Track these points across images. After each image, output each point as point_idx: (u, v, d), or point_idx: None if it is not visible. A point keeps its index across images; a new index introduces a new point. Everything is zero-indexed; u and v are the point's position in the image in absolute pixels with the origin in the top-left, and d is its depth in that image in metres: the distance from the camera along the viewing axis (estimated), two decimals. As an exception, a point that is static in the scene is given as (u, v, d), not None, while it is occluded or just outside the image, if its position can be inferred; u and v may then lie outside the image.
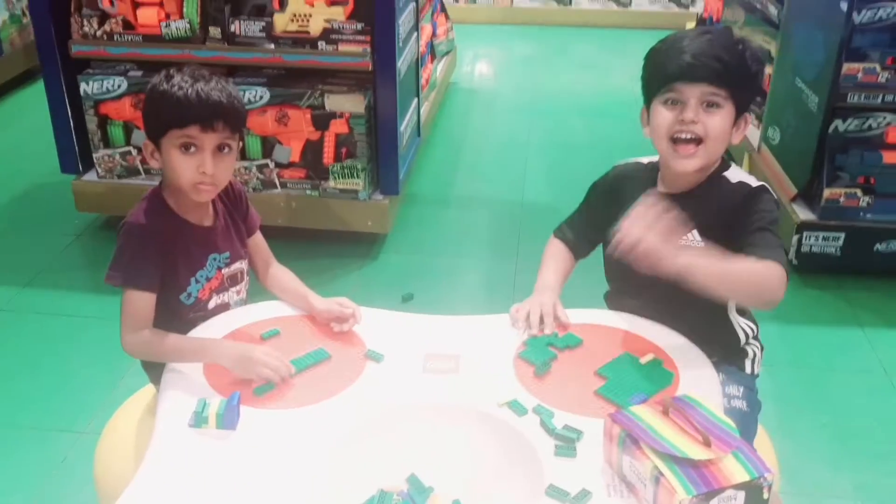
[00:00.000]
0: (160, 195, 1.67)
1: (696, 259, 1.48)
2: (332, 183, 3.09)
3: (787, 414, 2.29)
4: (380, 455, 1.46)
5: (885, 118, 2.86)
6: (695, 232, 1.65)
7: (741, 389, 1.71)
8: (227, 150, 1.63)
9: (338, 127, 3.01)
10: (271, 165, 3.09)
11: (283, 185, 3.12)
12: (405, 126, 3.34)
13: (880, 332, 2.80)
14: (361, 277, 3.09)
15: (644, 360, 1.60)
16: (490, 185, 3.90)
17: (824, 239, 2.96)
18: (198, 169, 1.60)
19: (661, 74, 1.63)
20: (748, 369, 1.76)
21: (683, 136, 1.62)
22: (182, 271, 1.67)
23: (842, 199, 2.93)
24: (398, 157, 3.15)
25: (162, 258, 1.62)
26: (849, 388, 2.55)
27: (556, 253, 1.87)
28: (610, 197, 1.79)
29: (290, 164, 3.09)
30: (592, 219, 1.84)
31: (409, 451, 1.48)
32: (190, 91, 1.57)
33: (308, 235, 3.18)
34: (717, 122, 1.60)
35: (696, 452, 1.22)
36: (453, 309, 2.85)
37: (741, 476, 1.21)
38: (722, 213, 1.64)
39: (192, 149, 1.59)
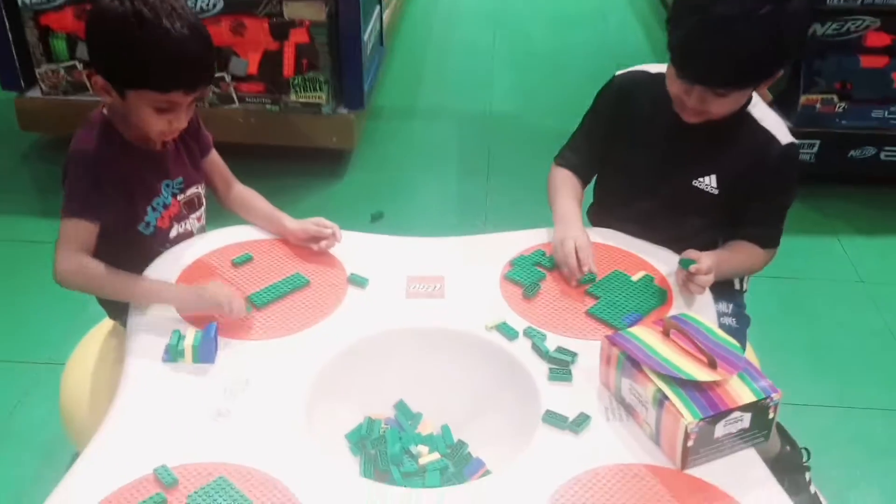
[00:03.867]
0: (107, 120, 1.52)
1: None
2: (293, 97, 2.94)
3: (767, 325, 2.24)
4: (366, 383, 1.40)
5: (864, 21, 2.78)
6: (713, 178, 1.59)
7: (730, 306, 1.68)
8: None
9: (298, 36, 2.85)
10: (228, 79, 2.92)
11: (241, 100, 2.96)
12: (368, 35, 3.18)
13: (854, 241, 2.80)
14: (327, 196, 2.97)
15: (635, 277, 1.54)
16: (456, 95, 3.77)
17: (799, 146, 2.90)
18: (170, 124, 1.48)
19: (677, 59, 1.47)
20: (737, 285, 1.72)
21: (687, 113, 1.53)
22: (138, 200, 1.55)
23: (818, 106, 2.88)
24: (363, 68, 3.00)
25: (115, 186, 1.50)
26: (826, 298, 2.54)
27: (565, 180, 1.72)
28: (619, 106, 1.67)
29: (248, 77, 2.93)
30: (599, 131, 1.71)
31: (396, 378, 1.42)
32: (177, 50, 1.38)
33: (269, 153, 3.04)
34: (724, 107, 1.50)
35: (703, 374, 1.18)
36: (426, 227, 2.80)
37: (748, 397, 1.17)
38: (745, 168, 1.57)
39: (170, 110, 1.46)
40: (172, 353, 1.34)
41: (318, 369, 1.36)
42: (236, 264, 1.56)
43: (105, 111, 1.53)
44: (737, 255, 1.60)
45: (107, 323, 1.77)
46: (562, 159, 1.76)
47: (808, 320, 2.45)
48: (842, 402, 2.15)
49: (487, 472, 1.29)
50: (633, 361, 1.23)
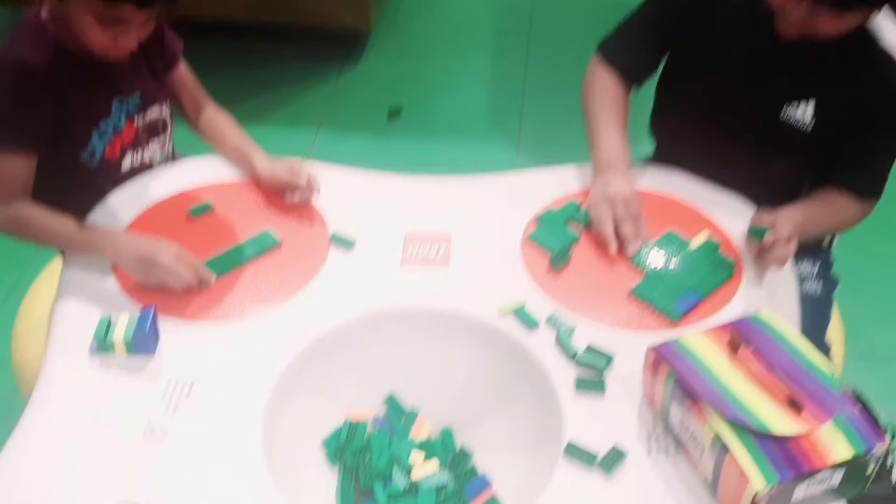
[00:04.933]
0: (43, 24, 1.20)
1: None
2: (299, -33, 2.53)
3: (849, 261, 1.91)
4: (348, 376, 1.13)
5: None
6: (808, 109, 1.21)
7: (815, 267, 1.35)
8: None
9: None
10: (224, -54, 2.51)
11: (242, -28, 2.56)
12: None
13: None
14: (339, 88, 2.59)
15: (695, 242, 1.21)
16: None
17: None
18: (116, 41, 1.16)
19: None
20: (824, 241, 1.37)
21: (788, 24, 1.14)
22: (78, 121, 1.25)
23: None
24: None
25: (51, 105, 1.19)
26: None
27: (607, 95, 1.33)
28: (696, 2, 1.27)
29: (248, -56, 2.51)
30: (665, 26, 1.31)
31: (385, 369, 1.15)
32: None
33: (271, 34, 2.65)
34: (837, 27, 1.12)
35: (782, 425, 0.86)
36: (451, 129, 2.44)
37: (842, 452, 0.86)
38: (852, 101, 1.19)
39: (116, 24, 1.15)
40: (101, 345, 1.06)
41: (287, 358, 1.08)
42: (193, 216, 1.25)
43: (43, 12, 1.20)
44: (825, 209, 1.25)
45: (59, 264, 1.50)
46: (609, 53, 1.35)
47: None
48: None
49: (493, 501, 1.02)
50: (686, 387, 0.92)
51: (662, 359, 0.95)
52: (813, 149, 1.25)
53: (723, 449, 0.87)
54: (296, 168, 1.26)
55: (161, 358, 1.07)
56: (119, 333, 1.05)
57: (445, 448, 1.10)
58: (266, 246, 1.20)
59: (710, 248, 1.20)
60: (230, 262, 1.18)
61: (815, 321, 1.29)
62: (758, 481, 0.83)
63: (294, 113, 2.37)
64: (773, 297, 1.15)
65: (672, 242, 1.21)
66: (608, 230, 1.18)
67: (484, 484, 1.06)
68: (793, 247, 1.14)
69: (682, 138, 1.37)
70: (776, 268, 1.14)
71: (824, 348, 1.29)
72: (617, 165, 1.24)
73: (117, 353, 1.06)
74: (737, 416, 0.87)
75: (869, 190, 1.27)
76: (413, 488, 1.05)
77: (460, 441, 1.11)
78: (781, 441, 0.86)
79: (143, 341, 1.06)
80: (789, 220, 1.15)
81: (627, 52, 1.34)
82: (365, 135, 2.38)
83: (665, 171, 1.33)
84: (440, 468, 1.07)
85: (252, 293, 1.15)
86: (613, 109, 1.32)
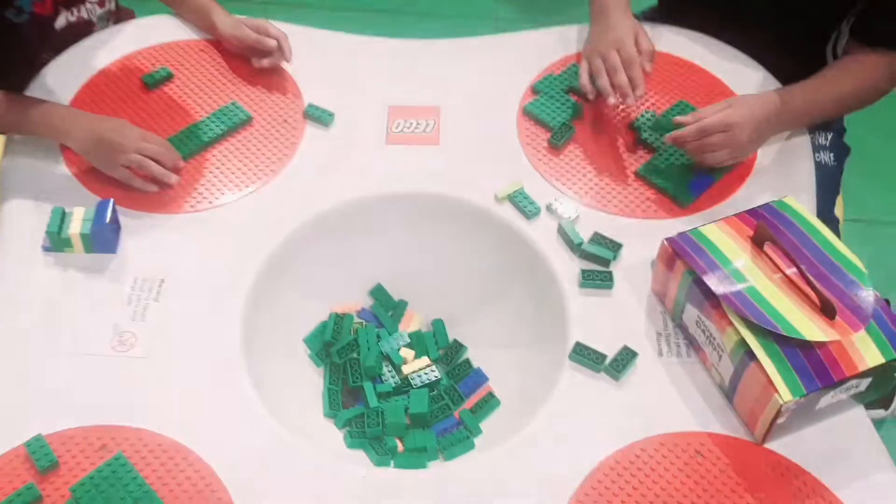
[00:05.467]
0: None
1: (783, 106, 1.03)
2: None
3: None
4: (330, 267, 1.04)
5: None
6: None
7: (829, 136, 1.24)
8: None
9: None
10: None
11: None
12: None
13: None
14: None
15: (708, 113, 1.10)
16: None
17: None
18: None
19: None
20: (843, 106, 1.26)
21: None
22: None
23: None
24: None
25: None
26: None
27: None
28: None
29: None
30: None
31: (371, 260, 1.06)
32: None
33: None
34: None
35: (815, 330, 0.79)
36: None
37: (874, 358, 0.80)
38: None
39: None
40: (55, 242, 0.95)
41: (264, 255, 0.98)
42: (148, 86, 1.11)
43: None
44: (840, 76, 1.09)
45: None
46: None
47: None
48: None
49: (491, 397, 0.97)
50: (706, 290, 0.84)
51: (680, 255, 0.87)
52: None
53: (746, 356, 0.80)
54: (263, 27, 1.11)
55: (124, 256, 0.96)
56: (75, 227, 0.94)
57: (438, 340, 1.04)
58: (235, 121, 1.07)
59: (726, 122, 1.09)
60: (194, 140, 1.05)
61: (824, 193, 1.20)
62: (786, 394, 0.77)
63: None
64: (788, 176, 1.05)
65: (683, 114, 1.09)
66: (603, 84, 1.04)
67: (480, 378, 1.00)
68: (714, 141, 0.99)
69: None
70: (699, 161, 1.02)
71: (833, 221, 1.21)
72: (614, 10, 1.09)
73: (75, 250, 0.96)
74: (766, 322, 0.80)
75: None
76: (405, 385, 0.99)
77: (453, 334, 1.04)
78: (810, 348, 0.79)
79: (103, 237, 0.95)
80: (716, 111, 1.00)
81: None
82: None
83: (675, 29, 1.20)
84: (433, 363, 1.01)
85: (222, 179, 1.03)
86: None
